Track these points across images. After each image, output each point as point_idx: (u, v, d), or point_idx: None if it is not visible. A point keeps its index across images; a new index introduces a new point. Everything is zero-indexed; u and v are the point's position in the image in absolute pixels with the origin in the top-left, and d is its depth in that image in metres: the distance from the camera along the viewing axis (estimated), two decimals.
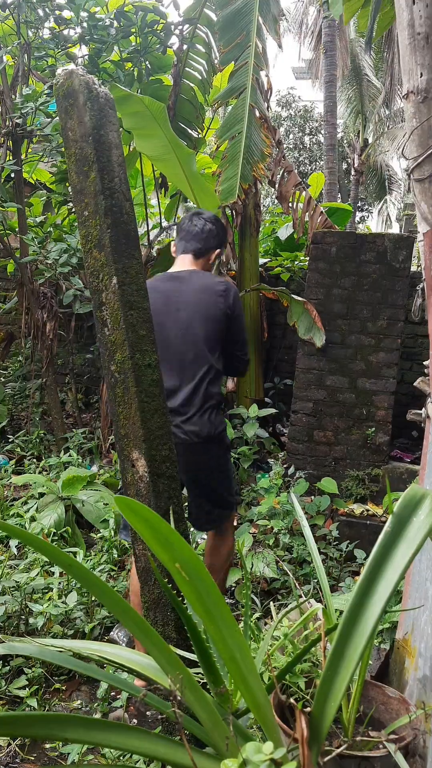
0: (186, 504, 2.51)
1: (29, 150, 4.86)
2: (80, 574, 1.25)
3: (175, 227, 7.60)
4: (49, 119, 4.27)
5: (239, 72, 4.42)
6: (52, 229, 4.78)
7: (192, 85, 5.03)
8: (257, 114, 4.35)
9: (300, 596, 2.36)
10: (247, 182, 4.31)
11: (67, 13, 4.30)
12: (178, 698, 1.13)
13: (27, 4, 4.20)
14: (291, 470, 4.09)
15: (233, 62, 4.48)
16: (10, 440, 4.83)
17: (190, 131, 5.20)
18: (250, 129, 4.29)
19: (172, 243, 2.68)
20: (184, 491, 2.49)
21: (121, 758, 1.83)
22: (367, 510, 3.71)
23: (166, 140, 4.07)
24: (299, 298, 4.24)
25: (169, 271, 2.57)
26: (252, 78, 4.37)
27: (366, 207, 21.98)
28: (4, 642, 1.56)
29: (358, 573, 3.08)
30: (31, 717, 1.16)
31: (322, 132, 15.37)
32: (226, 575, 2.75)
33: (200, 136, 5.34)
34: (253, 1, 4.38)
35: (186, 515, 2.28)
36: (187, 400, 2.36)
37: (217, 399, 2.43)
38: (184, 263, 2.54)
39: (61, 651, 1.47)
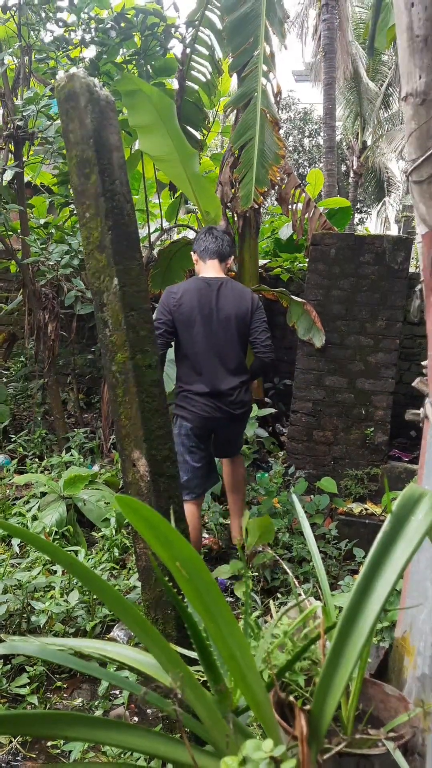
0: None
1: (31, 152, 4.87)
2: (81, 572, 1.26)
3: (175, 229, 7.65)
4: (51, 122, 4.28)
5: (249, 77, 4.41)
6: (54, 230, 4.79)
7: (196, 87, 5.04)
8: (269, 118, 4.36)
9: (299, 594, 2.37)
10: (263, 186, 4.30)
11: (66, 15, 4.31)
12: (179, 696, 1.14)
13: (28, 6, 4.21)
14: (291, 470, 4.10)
15: (242, 67, 4.48)
16: (12, 440, 4.84)
17: (195, 133, 5.21)
18: (263, 133, 4.29)
19: (192, 253, 3.18)
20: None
21: (122, 756, 1.84)
22: (366, 509, 3.72)
23: (170, 139, 4.06)
24: (299, 299, 4.25)
25: (203, 275, 3.08)
26: (261, 82, 4.37)
27: (365, 209, 21.94)
28: (5, 641, 1.56)
29: (357, 571, 3.09)
30: (33, 715, 1.17)
31: (322, 134, 15.32)
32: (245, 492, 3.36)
33: (203, 137, 5.36)
34: (260, 6, 4.37)
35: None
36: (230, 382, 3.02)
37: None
38: (214, 267, 3.08)
39: (62, 649, 1.48)
